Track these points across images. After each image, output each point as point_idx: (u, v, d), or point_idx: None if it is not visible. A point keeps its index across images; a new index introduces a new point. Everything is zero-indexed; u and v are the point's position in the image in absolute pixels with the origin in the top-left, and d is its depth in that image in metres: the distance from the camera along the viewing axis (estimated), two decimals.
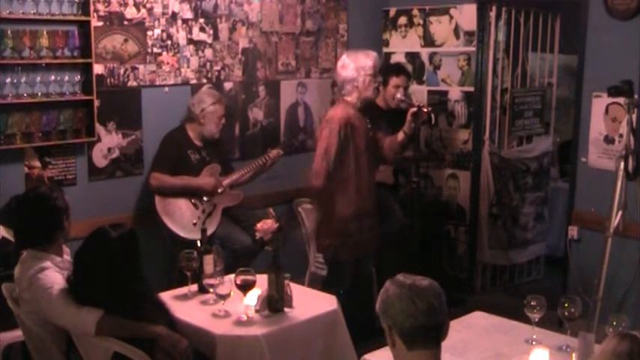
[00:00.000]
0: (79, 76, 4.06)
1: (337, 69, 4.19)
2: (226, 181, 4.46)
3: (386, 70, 4.83)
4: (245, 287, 3.11)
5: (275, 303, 3.16)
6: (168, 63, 4.53)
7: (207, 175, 4.41)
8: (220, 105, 4.46)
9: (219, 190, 4.40)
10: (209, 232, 4.13)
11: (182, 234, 4.25)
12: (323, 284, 4.10)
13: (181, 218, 4.31)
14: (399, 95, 4.58)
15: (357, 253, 4.20)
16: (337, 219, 4.09)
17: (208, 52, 4.72)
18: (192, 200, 4.36)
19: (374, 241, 4.24)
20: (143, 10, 4.38)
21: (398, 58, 5.61)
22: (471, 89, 5.30)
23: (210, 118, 4.41)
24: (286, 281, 3.22)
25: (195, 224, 4.28)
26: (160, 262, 4.24)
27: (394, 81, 4.79)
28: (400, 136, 4.21)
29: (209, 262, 3.39)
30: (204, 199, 4.38)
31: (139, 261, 2.93)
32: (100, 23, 4.18)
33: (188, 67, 4.63)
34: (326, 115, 4.25)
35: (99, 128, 4.23)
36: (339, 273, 4.16)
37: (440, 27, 5.42)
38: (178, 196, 4.33)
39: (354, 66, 4.08)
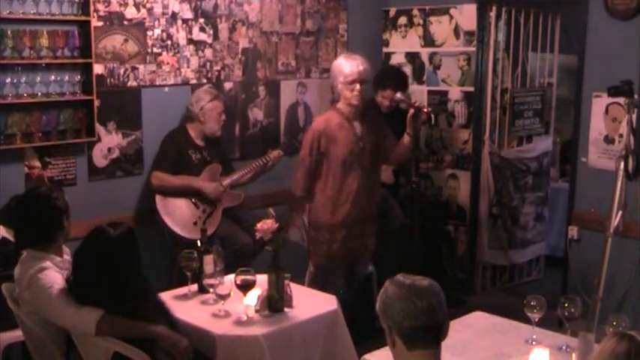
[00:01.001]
0: (79, 76, 4.06)
1: None
2: (227, 181, 4.46)
3: (376, 78, 4.80)
4: (245, 287, 3.11)
5: (275, 303, 3.16)
6: (168, 63, 4.53)
7: (207, 175, 4.41)
8: (219, 101, 4.47)
9: (217, 196, 4.40)
10: (209, 232, 4.15)
11: (182, 233, 4.25)
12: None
13: (182, 218, 4.32)
14: (398, 95, 4.56)
15: (341, 261, 4.21)
16: (314, 227, 4.15)
17: (208, 52, 4.73)
18: (193, 200, 4.36)
19: (363, 249, 4.24)
20: (143, 10, 4.38)
21: (398, 58, 5.62)
22: (471, 89, 5.30)
23: (210, 116, 4.41)
24: (286, 281, 3.22)
25: (195, 224, 4.28)
26: (160, 262, 4.24)
27: (380, 93, 4.79)
28: (406, 139, 4.19)
29: (209, 262, 3.39)
30: (206, 198, 4.38)
31: (139, 259, 2.92)
32: (100, 23, 4.18)
33: (188, 67, 4.63)
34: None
35: (99, 128, 4.23)
36: (325, 279, 4.17)
37: (440, 27, 5.42)
38: (179, 196, 4.33)
39: (333, 72, 4.06)
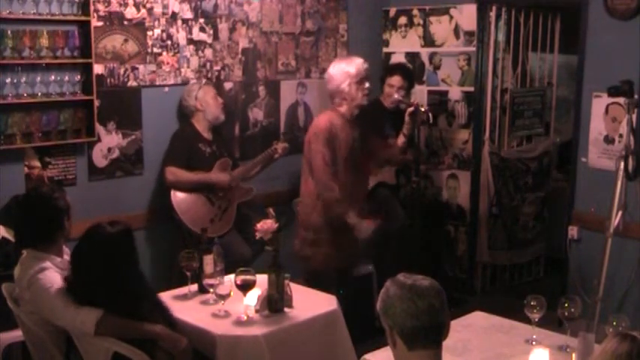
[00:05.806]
0: (79, 76, 4.06)
1: (326, 81, 4.12)
2: (237, 171, 4.49)
3: (384, 69, 4.85)
4: (245, 287, 3.11)
5: (275, 303, 3.16)
6: (168, 63, 4.53)
7: (219, 169, 4.44)
8: (208, 86, 4.52)
9: (233, 184, 4.44)
10: (226, 228, 4.27)
11: (199, 231, 4.24)
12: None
13: (198, 215, 4.31)
14: (396, 96, 4.58)
15: (336, 263, 4.11)
16: (312, 229, 4.07)
17: (208, 52, 4.72)
18: (208, 196, 4.38)
19: (359, 252, 4.18)
20: (143, 10, 4.38)
21: (398, 58, 5.61)
22: (471, 89, 5.31)
23: (207, 101, 4.45)
24: (286, 281, 3.22)
25: (212, 221, 4.29)
26: (161, 261, 4.24)
27: (388, 80, 4.80)
28: (400, 139, 4.18)
29: (209, 262, 3.40)
30: (220, 194, 4.40)
31: (136, 259, 2.92)
32: (100, 23, 4.18)
33: (188, 67, 4.63)
34: (312, 125, 4.20)
35: (99, 128, 4.23)
36: (321, 283, 4.12)
37: (440, 27, 5.42)
38: (194, 192, 4.34)
39: (338, 77, 4.01)
